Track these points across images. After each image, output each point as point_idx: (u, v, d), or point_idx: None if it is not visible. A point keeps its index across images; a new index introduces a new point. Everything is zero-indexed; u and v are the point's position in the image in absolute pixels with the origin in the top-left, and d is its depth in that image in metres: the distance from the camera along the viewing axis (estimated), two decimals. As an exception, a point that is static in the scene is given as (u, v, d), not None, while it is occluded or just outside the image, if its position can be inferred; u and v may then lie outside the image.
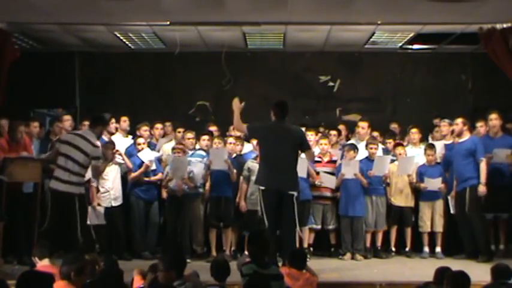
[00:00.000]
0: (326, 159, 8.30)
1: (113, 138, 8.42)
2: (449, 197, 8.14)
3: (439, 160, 8.34)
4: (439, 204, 8.21)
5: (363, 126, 8.63)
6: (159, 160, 8.33)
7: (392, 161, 8.29)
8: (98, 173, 7.22)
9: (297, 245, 7.08)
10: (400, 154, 8.22)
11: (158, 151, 8.51)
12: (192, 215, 8.02)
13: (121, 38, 9.66)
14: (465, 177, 7.73)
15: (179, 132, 8.47)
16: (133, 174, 8.07)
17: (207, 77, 10.68)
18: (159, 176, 8.16)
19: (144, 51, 10.56)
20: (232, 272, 4.97)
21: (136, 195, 8.11)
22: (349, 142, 8.67)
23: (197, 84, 10.79)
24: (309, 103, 10.98)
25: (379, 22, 8.57)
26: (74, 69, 10.89)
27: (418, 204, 8.28)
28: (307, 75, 11.04)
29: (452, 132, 8.28)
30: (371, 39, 9.81)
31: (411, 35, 9.57)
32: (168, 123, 9.14)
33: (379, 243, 8.24)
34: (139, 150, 8.16)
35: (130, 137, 8.75)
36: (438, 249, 8.14)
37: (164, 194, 8.08)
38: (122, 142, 8.50)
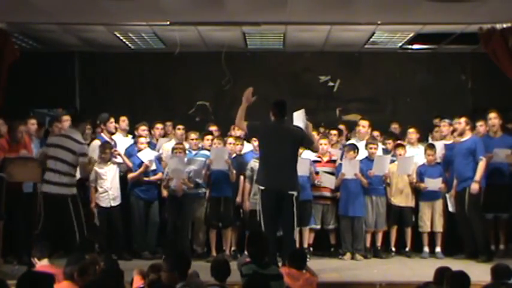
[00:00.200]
0: (326, 159, 8.30)
1: (114, 138, 8.44)
2: (447, 195, 8.14)
3: (439, 160, 8.34)
4: (439, 204, 8.21)
5: (363, 125, 8.63)
6: (158, 160, 8.34)
7: (392, 161, 8.29)
8: (86, 171, 7.16)
9: (297, 245, 7.09)
10: (400, 155, 8.22)
11: (158, 150, 8.50)
12: (192, 215, 8.03)
13: (121, 38, 9.67)
14: (465, 177, 7.73)
15: (179, 129, 8.45)
16: (132, 174, 8.07)
17: (207, 77, 10.69)
18: (159, 175, 8.17)
19: (144, 51, 10.56)
20: (232, 272, 4.97)
21: (136, 195, 8.11)
22: (349, 142, 8.67)
23: (197, 84, 10.80)
24: (309, 103, 10.88)
25: (379, 22, 8.57)
26: (74, 69, 10.90)
27: (418, 204, 8.28)
28: (307, 75, 11.04)
29: (453, 132, 8.30)
30: (371, 39, 9.81)
31: (411, 35, 9.57)
32: (168, 123, 9.14)
33: (379, 243, 8.24)
34: (140, 150, 8.16)
35: (130, 136, 8.76)
36: (438, 249, 8.14)
37: (165, 193, 8.07)
38: (122, 142, 8.51)
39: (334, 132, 8.94)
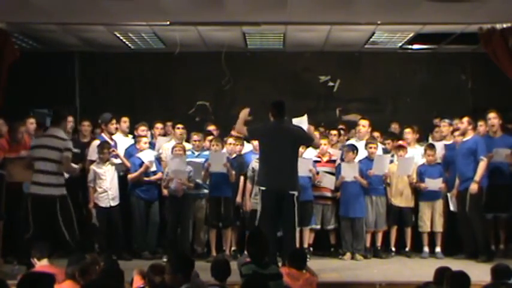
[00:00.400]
0: (325, 159, 8.30)
1: (114, 138, 8.44)
2: (449, 195, 8.13)
3: (439, 161, 8.34)
4: (439, 204, 8.21)
5: (363, 125, 8.63)
6: (158, 160, 8.34)
7: (391, 161, 8.29)
8: (68, 166, 6.99)
9: (297, 245, 7.09)
10: (400, 155, 8.21)
11: (158, 150, 8.50)
12: (193, 215, 8.03)
13: (121, 38, 9.66)
14: (466, 176, 7.72)
15: (178, 129, 8.46)
16: (133, 175, 8.07)
17: (207, 77, 10.69)
18: (159, 175, 8.17)
19: (144, 51, 10.56)
20: (232, 272, 4.97)
21: (136, 195, 8.11)
22: (349, 142, 8.67)
23: (197, 84, 10.80)
24: (309, 103, 10.95)
25: (379, 22, 8.56)
26: (74, 69, 10.90)
27: (418, 204, 8.28)
28: (307, 75, 11.04)
29: (453, 132, 8.29)
30: (371, 39, 9.81)
31: (411, 35, 9.57)
32: (168, 123, 9.14)
33: (379, 243, 8.24)
34: (141, 150, 8.16)
35: (130, 136, 8.75)
36: (438, 249, 8.14)
37: (165, 192, 8.07)
38: (122, 142, 8.51)
39: (334, 132, 8.95)
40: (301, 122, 7.09)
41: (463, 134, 7.91)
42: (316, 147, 7.72)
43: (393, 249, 8.25)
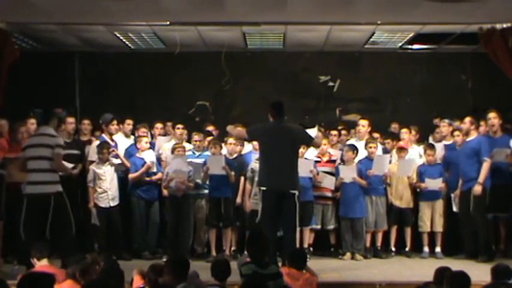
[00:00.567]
0: (325, 159, 8.31)
1: (114, 138, 8.44)
2: (452, 195, 8.11)
3: (439, 161, 8.33)
4: (439, 204, 8.21)
5: (363, 124, 8.64)
6: (158, 160, 8.34)
7: (390, 161, 8.29)
8: (58, 163, 6.97)
9: (297, 245, 7.09)
10: (401, 157, 8.21)
11: (158, 151, 8.50)
12: (194, 215, 8.02)
13: (121, 38, 9.66)
14: (470, 177, 7.72)
15: (178, 129, 8.47)
16: (134, 174, 8.07)
17: (207, 77, 10.68)
18: (159, 175, 8.16)
19: (144, 51, 10.55)
20: (232, 272, 4.98)
21: (137, 195, 8.11)
22: (349, 142, 8.66)
23: (197, 84, 10.79)
24: (308, 103, 10.98)
25: (379, 22, 8.56)
26: (74, 69, 10.89)
27: (418, 204, 8.28)
28: (307, 75, 11.03)
29: (453, 132, 8.29)
30: (371, 39, 9.80)
31: (411, 35, 9.56)
32: (168, 123, 9.14)
33: (379, 243, 8.24)
34: (143, 150, 8.16)
35: (132, 137, 8.74)
36: (438, 249, 8.14)
37: (165, 192, 8.07)
38: (123, 143, 8.51)
39: (334, 132, 8.95)
40: (312, 133, 7.15)
41: (466, 134, 7.90)
42: (316, 146, 7.75)
43: (393, 249, 8.26)
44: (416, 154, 8.50)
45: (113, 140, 8.38)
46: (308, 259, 5.98)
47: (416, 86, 10.99)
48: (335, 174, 8.19)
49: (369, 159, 8.17)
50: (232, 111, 10.84)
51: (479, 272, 5.80)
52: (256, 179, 7.61)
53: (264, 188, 6.68)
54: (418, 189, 8.25)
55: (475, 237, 7.74)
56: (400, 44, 10.15)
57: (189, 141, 8.52)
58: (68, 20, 8.32)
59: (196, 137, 8.33)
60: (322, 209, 8.18)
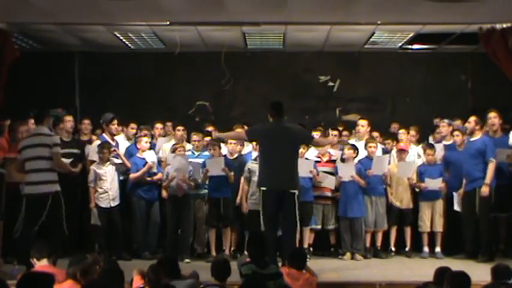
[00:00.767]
0: (325, 159, 8.31)
1: (116, 138, 8.44)
2: (455, 194, 8.09)
3: (439, 161, 8.33)
4: (439, 204, 8.21)
5: (362, 124, 8.65)
6: (158, 160, 8.33)
7: (389, 162, 8.29)
8: (58, 161, 6.99)
9: (297, 245, 7.09)
10: (401, 159, 8.21)
11: (158, 151, 8.50)
12: (194, 215, 8.02)
13: (121, 38, 9.66)
14: (474, 177, 7.71)
15: (178, 130, 8.47)
16: (135, 174, 8.06)
17: (207, 77, 10.69)
18: (159, 175, 8.16)
19: (143, 51, 10.56)
20: (232, 272, 4.98)
21: (138, 195, 8.10)
22: (349, 142, 8.66)
23: (197, 84, 10.80)
24: (308, 103, 10.99)
25: (379, 22, 8.56)
26: (74, 69, 10.89)
27: (418, 204, 8.27)
28: (307, 75, 11.04)
29: (453, 132, 8.28)
30: (371, 39, 9.81)
31: (411, 35, 9.57)
32: (168, 123, 9.14)
33: (378, 243, 8.24)
34: (143, 151, 8.16)
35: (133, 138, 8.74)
36: (438, 249, 8.14)
37: (164, 194, 8.07)
38: (124, 143, 8.50)
39: (334, 132, 8.94)
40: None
41: (471, 133, 7.89)
42: (317, 146, 7.80)
43: (393, 249, 8.25)
44: (415, 154, 8.51)
45: (113, 140, 8.37)
46: (308, 259, 5.98)
47: (416, 86, 11.00)
48: (335, 174, 8.19)
49: (369, 159, 8.17)
50: (232, 111, 10.85)
51: (479, 272, 5.79)
52: (253, 179, 7.65)
53: (264, 189, 6.68)
54: (417, 189, 8.25)
55: (477, 237, 7.73)
56: (400, 44, 10.16)
57: (188, 141, 8.51)
58: (68, 20, 8.32)
59: (195, 137, 8.33)
60: (323, 209, 8.18)
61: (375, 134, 8.94)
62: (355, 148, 8.19)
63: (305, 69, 11.03)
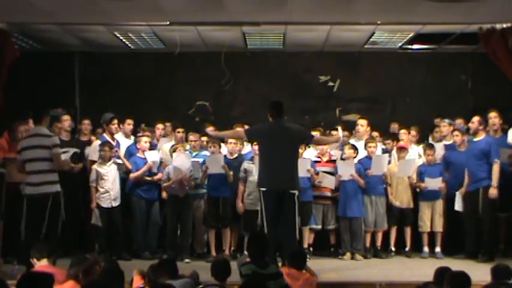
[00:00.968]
0: (325, 159, 8.31)
1: (116, 137, 8.43)
2: (457, 193, 8.05)
3: (439, 161, 8.33)
4: (439, 204, 8.21)
5: (362, 124, 8.65)
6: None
7: (389, 162, 8.29)
8: (58, 162, 6.98)
9: (297, 245, 7.09)
10: (401, 157, 8.21)
11: (158, 151, 8.50)
12: (193, 215, 8.03)
13: (121, 38, 9.66)
14: (478, 177, 7.70)
15: (178, 132, 8.48)
16: (135, 174, 8.06)
17: (207, 77, 10.70)
18: (159, 175, 8.16)
19: (143, 51, 10.56)
20: (232, 272, 4.98)
21: (138, 195, 8.10)
22: (349, 142, 8.66)
23: (197, 84, 10.80)
24: (308, 103, 10.99)
25: (378, 22, 8.56)
26: (74, 69, 10.90)
27: (418, 204, 8.27)
28: (306, 75, 11.05)
29: (453, 132, 8.29)
30: (371, 39, 9.81)
31: (411, 35, 9.57)
32: (168, 124, 9.14)
33: (378, 243, 8.24)
34: (143, 151, 8.15)
35: (132, 138, 8.74)
36: (438, 249, 8.13)
37: (164, 194, 8.07)
38: (124, 143, 8.50)
39: (334, 132, 8.94)
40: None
41: (474, 133, 7.87)
42: (318, 143, 7.90)
43: (393, 249, 8.25)
44: (415, 154, 8.51)
45: (114, 140, 8.36)
46: (308, 259, 5.98)
47: (416, 86, 11.00)
48: (335, 174, 8.19)
49: (369, 158, 8.17)
50: (232, 111, 10.85)
51: (479, 272, 5.78)
52: (249, 179, 7.66)
53: (263, 189, 6.68)
54: (418, 189, 8.25)
55: (477, 237, 7.73)
56: (400, 44, 10.16)
57: (187, 141, 8.51)
58: (68, 20, 8.32)
59: (192, 137, 8.34)
60: (323, 209, 8.18)
61: (375, 134, 8.95)
62: (355, 148, 8.19)
63: (305, 69, 11.04)
